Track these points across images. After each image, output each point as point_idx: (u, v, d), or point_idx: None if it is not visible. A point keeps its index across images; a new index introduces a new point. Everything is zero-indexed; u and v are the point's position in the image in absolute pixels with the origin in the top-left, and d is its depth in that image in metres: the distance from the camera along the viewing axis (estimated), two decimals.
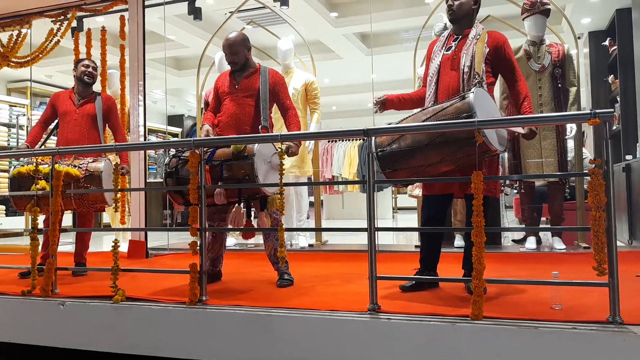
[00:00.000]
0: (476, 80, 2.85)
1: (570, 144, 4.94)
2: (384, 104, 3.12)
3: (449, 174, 2.83)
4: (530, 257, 4.30)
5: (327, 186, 8.28)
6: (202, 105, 5.36)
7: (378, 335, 2.38)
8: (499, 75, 3.08)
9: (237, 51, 3.43)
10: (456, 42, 3.02)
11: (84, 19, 5.86)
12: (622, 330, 2.10)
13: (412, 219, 8.00)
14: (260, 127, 3.36)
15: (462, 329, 2.26)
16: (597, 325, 2.17)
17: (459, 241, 4.81)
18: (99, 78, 5.57)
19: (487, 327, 2.24)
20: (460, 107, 2.66)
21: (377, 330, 2.39)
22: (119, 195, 3.12)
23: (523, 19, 4.64)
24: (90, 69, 4.16)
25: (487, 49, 2.93)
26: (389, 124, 2.86)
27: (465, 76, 2.90)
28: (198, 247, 2.87)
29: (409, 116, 2.97)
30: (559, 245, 4.53)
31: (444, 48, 3.06)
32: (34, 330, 3.07)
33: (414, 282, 2.93)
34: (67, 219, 6.35)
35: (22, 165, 3.74)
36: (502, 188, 5.20)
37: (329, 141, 8.42)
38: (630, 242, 4.96)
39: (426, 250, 3.04)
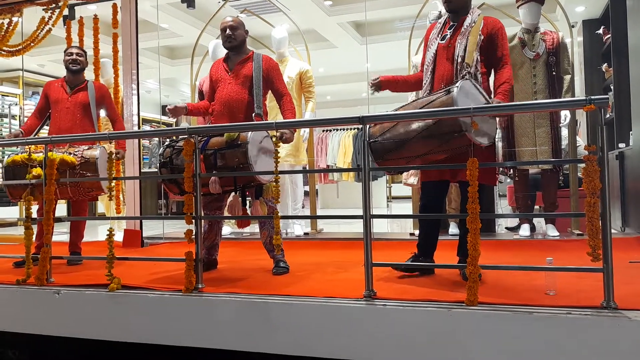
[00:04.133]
0: (465, 71, 2.84)
1: (564, 132, 4.95)
2: (379, 86, 3.12)
3: (442, 162, 2.84)
4: (524, 244, 4.32)
5: (322, 175, 8.26)
6: (197, 95, 5.33)
7: (374, 321, 2.40)
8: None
9: (237, 28, 3.41)
10: (451, 31, 3.01)
11: (76, 7, 5.78)
12: (616, 315, 2.12)
13: (406, 208, 8.02)
14: (254, 115, 3.34)
15: (457, 314, 2.28)
16: (591, 310, 2.19)
17: (453, 229, 4.83)
18: (92, 67, 5.56)
19: (482, 312, 2.26)
20: (445, 101, 2.70)
21: (373, 316, 2.41)
22: (113, 183, 3.11)
23: (518, 7, 4.63)
24: (74, 56, 4.08)
25: (482, 37, 2.93)
26: (386, 112, 2.87)
27: (459, 66, 2.90)
28: (194, 235, 2.87)
29: (403, 106, 2.99)
30: (552, 232, 4.56)
31: (439, 36, 3.05)
32: (29, 319, 3.07)
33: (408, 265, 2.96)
34: (62, 209, 6.33)
35: (17, 154, 3.71)
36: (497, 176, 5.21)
37: (323, 131, 8.40)
38: (623, 229, 5.00)
39: (423, 236, 3.07)
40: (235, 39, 3.42)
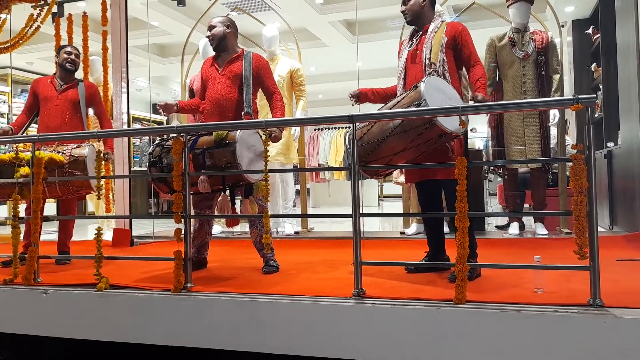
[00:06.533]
0: (431, 70, 2.98)
1: (553, 131, 4.98)
2: (358, 97, 3.25)
3: (416, 161, 2.94)
4: (513, 242, 4.34)
5: (313, 174, 8.25)
6: (187, 93, 5.31)
7: (363, 320, 2.40)
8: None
9: (214, 27, 3.42)
10: (417, 38, 3.16)
11: (65, 4, 5.73)
12: (602, 313, 2.14)
13: (397, 206, 8.03)
14: (243, 113, 3.33)
15: (445, 313, 2.29)
16: (578, 308, 2.20)
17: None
18: (81, 65, 5.51)
19: (470, 310, 2.27)
20: (413, 96, 2.79)
21: (361, 315, 2.41)
22: (102, 182, 3.09)
23: (508, 7, 4.66)
24: (72, 56, 4.10)
25: (446, 39, 3.05)
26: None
27: (427, 68, 3.04)
28: (183, 234, 2.86)
29: (379, 108, 3.08)
30: (541, 230, 4.59)
31: (408, 45, 3.21)
32: (17, 319, 3.04)
33: (417, 265, 3.04)
34: (50, 208, 6.28)
35: (4, 153, 3.67)
36: (486, 175, 5.24)
37: (315, 129, 8.39)
38: (611, 227, 5.04)
39: (428, 234, 3.18)
40: (212, 39, 3.43)
